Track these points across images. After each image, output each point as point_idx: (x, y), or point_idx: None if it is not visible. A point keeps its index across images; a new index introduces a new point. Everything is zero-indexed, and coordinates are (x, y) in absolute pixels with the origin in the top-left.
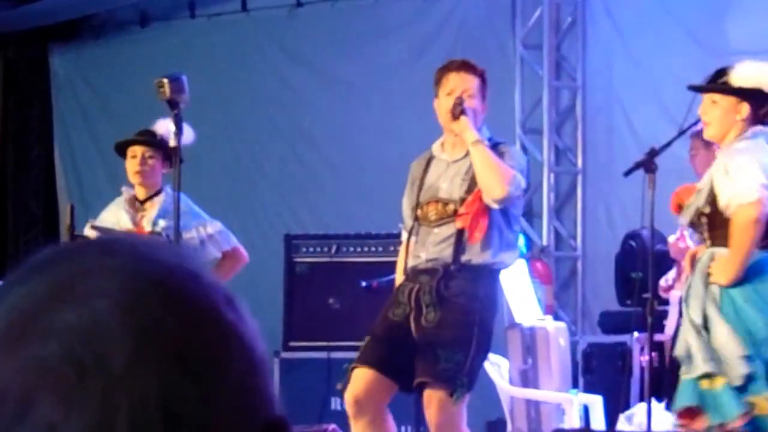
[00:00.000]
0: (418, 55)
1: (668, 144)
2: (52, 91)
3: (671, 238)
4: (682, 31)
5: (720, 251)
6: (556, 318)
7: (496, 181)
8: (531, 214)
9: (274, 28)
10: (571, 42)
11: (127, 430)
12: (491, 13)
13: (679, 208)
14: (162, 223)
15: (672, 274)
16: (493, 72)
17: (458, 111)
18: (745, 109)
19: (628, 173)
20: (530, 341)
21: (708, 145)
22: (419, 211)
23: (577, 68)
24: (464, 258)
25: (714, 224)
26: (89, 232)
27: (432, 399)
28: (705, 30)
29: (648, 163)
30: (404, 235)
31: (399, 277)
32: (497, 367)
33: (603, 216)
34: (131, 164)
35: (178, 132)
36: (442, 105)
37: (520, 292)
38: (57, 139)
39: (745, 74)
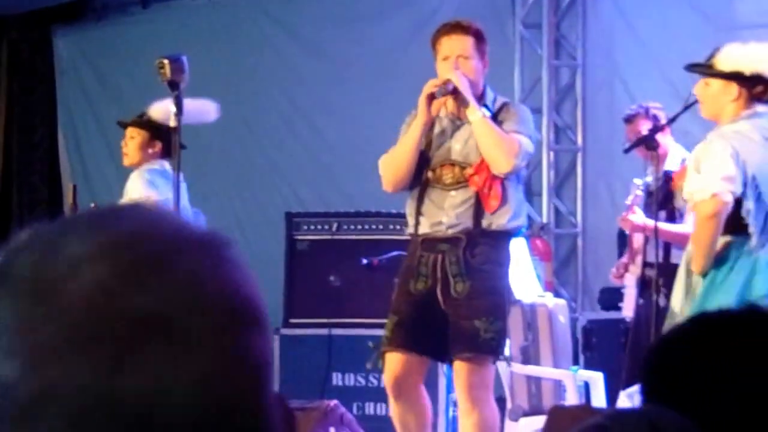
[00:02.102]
0: (417, 34)
1: (671, 120)
2: (56, 72)
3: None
4: (685, 5)
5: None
6: (556, 295)
7: (503, 156)
8: (531, 192)
9: (274, 8)
10: (571, 21)
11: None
12: None
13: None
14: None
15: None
16: (492, 51)
17: (442, 93)
18: (734, 90)
19: (628, 150)
20: (531, 318)
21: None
22: (431, 173)
23: (576, 47)
24: (485, 223)
25: None
26: None
27: (473, 366)
28: (709, 4)
29: (650, 140)
30: None
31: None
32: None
33: (603, 193)
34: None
35: (179, 113)
36: (440, 70)
37: (520, 269)
38: (61, 120)
39: (728, 57)
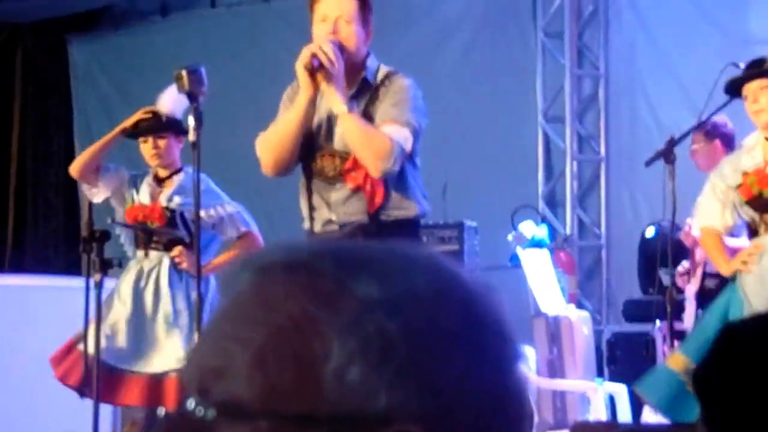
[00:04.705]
0: (439, 45)
1: (687, 133)
2: (72, 81)
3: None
4: (704, 18)
5: None
6: (580, 307)
7: (370, 159)
8: (554, 203)
9: (295, 17)
10: (593, 30)
11: None
12: (513, 2)
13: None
14: (177, 199)
15: (687, 263)
16: (515, 60)
17: (311, 67)
18: None
19: (648, 163)
20: (555, 330)
21: (710, 138)
22: (312, 164)
23: (599, 56)
24: (383, 214)
25: None
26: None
27: None
28: (727, 18)
29: (667, 153)
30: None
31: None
32: (524, 358)
33: (627, 204)
34: (145, 149)
35: (198, 125)
36: (316, 33)
37: (544, 281)
38: (77, 129)
39: None
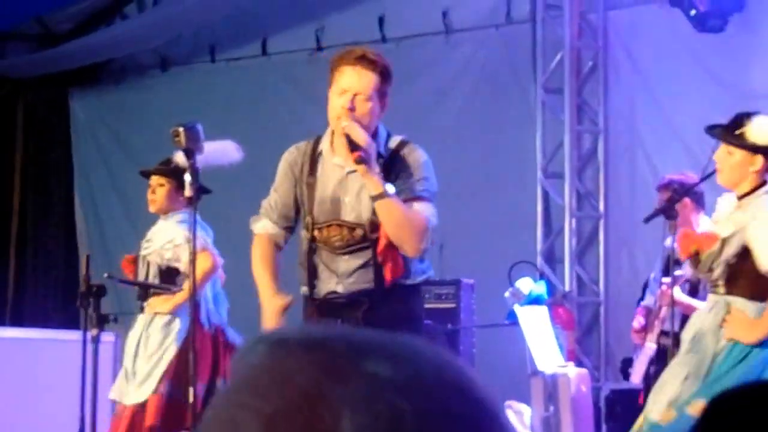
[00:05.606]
0: (438, 100)
1: (689, 189)
2: (72, 135)
3: (664, 287)
4: (705, 73)
5: (736, 302)
6: (579, 364)
7: (410, 242)
8: (553, 260)
9: (294, 71)
10: (593, 86)
11: None
12: (512, 58)
13: (694, 254)
14: (145, 245)
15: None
16: (514, 116)
17: (357, 160)
18: (759, 161)
19: (648, 219)
20: (552, 388)
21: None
22: (317, 233)
23: (598, 112)
24: (393, 281)
25: (736, 275)
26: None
27: None
28: (728, 73)
29: (668, 210)
30: (262, 226)
31: (267, 293)
32: (520, 415)
33: (626, 261)
34: (148, 193)
35: (194, 182)
36: (333, 104)
37: (541, 338)
38: (77, 183)
39: (761, 131)
